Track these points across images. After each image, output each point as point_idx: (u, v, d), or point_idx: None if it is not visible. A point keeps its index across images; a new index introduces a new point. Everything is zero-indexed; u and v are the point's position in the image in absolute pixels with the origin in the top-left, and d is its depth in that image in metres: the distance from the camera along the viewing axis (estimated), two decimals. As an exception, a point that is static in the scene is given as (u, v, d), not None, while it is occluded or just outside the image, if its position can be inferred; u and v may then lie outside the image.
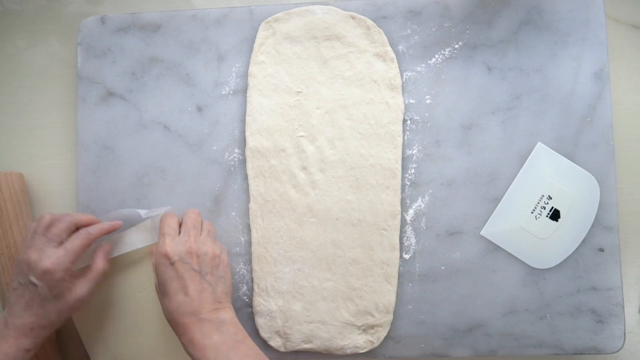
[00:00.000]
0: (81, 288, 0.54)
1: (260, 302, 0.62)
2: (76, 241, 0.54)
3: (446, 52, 0.63)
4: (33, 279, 0.52)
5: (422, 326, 0.61)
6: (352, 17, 0.63)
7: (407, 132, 0.63)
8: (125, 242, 0.60)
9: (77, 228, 0.56)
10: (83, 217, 0.57)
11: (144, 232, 0.60)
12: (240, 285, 0.63)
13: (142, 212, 0.60)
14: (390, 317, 0.61)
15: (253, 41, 0.64)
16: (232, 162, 0.64)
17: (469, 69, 0.63)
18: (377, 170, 0.61)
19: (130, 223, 0.60)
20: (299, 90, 0.63)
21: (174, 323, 0.53)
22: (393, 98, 0.62)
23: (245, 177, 0.63)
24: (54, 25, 0.70)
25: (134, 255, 0.61)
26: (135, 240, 0.60)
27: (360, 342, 0.61)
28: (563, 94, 0.62)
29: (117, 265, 0.61)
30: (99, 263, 0.57)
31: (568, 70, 0.62)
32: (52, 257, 0.52)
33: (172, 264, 0.54)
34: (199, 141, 0.64)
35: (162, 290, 0.54)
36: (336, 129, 0.62)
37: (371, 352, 0.61)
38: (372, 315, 0.60)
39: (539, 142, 0.62)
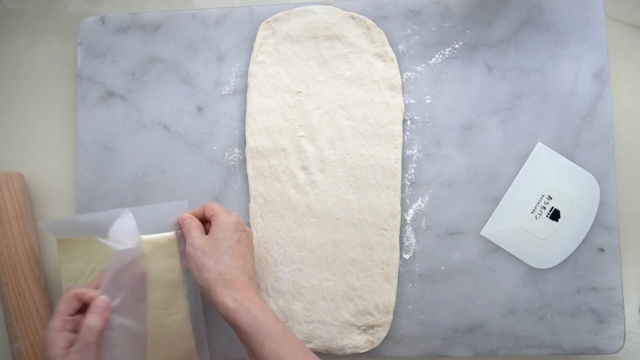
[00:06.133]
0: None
1: (260, 302, 0.61)
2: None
3: (446, 52, 0.63)
4: None
5: (422, 326, 0.61)
6: (352, 17, 0.63)
7: (407, 132, 0.63)
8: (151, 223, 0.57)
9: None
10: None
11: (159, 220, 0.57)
12: (240, 285, 0.63)
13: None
14: (390, 317, 0.61)
15: (253, 41, 0.64)
16: (232, 162, 0.64)
17: (469, 69, 0.63)
18: (377, 170, 0.61)
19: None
20: (299, 90, 0.63)
21: (230, 280, 0.52)
22: (393, 98, 0.62)
23: (245, 177, 0.63)
24: (54, 25, 0.70)
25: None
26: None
27: (360, 342, 0.61)
28: (563, 94, 0.62)
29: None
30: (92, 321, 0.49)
31: (568, 70, 0.62)
32: None
33: (243, 230, 0.56)
34: (199, 141, 0.64)
35: (224, 246, 0.54)
36: (336, 129, 0.62)
37: (371, 352, 0.61)
38: (372, 315, 0.60)
39: (539, 142, 0.62)
